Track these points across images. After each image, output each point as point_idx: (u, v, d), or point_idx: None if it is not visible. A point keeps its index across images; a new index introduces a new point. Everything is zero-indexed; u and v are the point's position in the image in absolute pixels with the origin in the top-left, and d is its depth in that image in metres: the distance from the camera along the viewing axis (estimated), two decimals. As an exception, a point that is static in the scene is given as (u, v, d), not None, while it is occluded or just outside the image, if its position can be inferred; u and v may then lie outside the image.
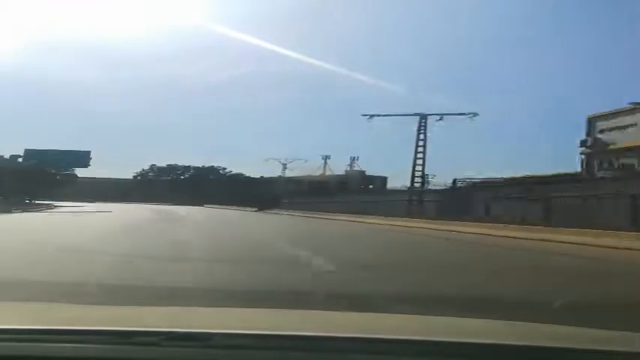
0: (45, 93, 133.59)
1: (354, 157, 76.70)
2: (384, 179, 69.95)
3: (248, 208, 68.58)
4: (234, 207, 72.40)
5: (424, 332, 1.98)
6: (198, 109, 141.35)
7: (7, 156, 59.91)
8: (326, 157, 79.57)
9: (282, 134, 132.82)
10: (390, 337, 1.71)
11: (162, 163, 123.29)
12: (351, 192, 58.11)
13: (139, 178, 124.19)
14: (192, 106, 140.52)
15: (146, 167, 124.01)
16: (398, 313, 4.57)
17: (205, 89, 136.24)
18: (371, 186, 69.73)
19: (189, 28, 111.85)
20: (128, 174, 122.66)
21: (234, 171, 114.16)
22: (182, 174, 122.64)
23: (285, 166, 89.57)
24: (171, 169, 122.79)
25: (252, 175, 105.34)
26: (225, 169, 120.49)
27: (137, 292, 6.40)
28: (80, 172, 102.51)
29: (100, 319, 2.06)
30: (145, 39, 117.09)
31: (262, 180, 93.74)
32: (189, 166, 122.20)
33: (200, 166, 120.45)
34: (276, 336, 1.67)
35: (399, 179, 73.36)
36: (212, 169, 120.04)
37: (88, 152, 55.88)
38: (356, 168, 75.94)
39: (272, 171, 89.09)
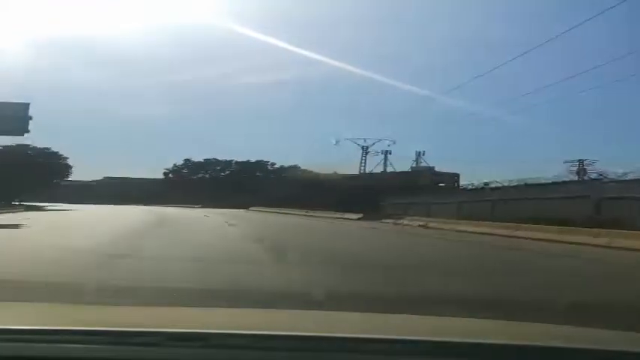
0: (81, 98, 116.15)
1: (420, 152, 66.96)
2: (455, 176, 61.42)
3: (317, 213, 43.97)
4: (305, 211, 47.45)
5: (424, 332, 1.95)
6: (244, 105, 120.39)
7: None
8: (386, 152, 67.05)
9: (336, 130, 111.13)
10: (390, 337, 1.69)
11: (199, 158, 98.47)
12: (421, 190, 48.12)
13: (170, 175, 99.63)
14: (236, 102, 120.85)
15: (179, 162, 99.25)
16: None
17: (250, 89, 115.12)
18: (442, 184, 60.68)
19: (230, 33, 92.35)
20: (159, 173, 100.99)
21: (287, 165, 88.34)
22: (222, 170, 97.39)
23: (366, 150, 65.66)
24: (209, 164, 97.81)
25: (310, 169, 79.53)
26: (274, 164, 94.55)
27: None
28: (107, 172, 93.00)
29: (100, 319, 2.02)
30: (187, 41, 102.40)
31: (323, 177, 70.60)
32: (230, 161, 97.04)
33: (245, 160, 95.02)
34: (276, 336, 1.63)
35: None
36: (259, 165, 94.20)
37: (26, 105, 30.00)
38: (423, 164, 66.90)
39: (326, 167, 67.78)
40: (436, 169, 63.28)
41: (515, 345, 1.61)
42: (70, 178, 69.77)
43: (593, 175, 28.91)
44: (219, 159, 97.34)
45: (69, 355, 1.43)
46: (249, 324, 2.03)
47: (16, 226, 18.39)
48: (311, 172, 73.09)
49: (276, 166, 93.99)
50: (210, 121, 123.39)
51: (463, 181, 55.48)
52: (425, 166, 66.82)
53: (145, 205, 66.00)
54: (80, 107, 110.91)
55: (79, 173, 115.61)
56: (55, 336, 1.52)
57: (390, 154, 66.49)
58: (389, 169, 66.03)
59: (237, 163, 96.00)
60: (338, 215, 41.41)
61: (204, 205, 65.33)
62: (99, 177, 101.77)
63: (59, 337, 1.50)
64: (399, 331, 1.98)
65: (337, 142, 67.50)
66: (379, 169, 66.27)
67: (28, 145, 59.97)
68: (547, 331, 2.15)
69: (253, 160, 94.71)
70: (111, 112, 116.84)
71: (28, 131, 30.81)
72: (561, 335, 2.05)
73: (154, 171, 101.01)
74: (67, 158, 65.42)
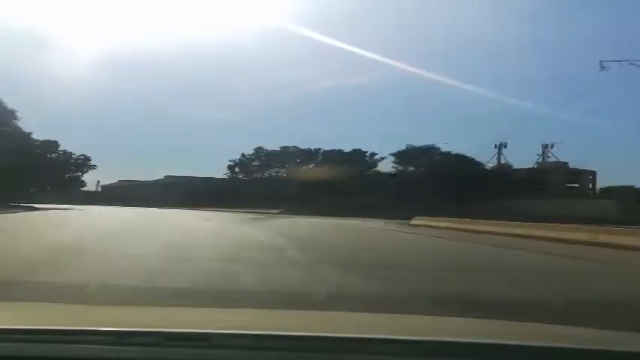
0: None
1: (547, 145, 56.16)
2: (590, 174, 54.22)
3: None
4: None
5: (424, 332, 1.94)
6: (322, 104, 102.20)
7: None
8: (500, 145, 56.26)
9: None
10: (390, 337, 1.67)
11: (274, 146, 75.43)
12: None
13: (237, 169, 77.37)
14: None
15: (249, 152, 76.41)
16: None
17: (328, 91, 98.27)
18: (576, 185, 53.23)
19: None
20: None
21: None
22: (304, 162, 73.59)
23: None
24: (287, 155, 74.22)
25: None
26: (375, 154, 69.74)
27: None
28: (165, 172, 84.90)
29: (100, 319, 2.00)
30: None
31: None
32: (316, 151, 73.00)
33: (336, 149, 70.84)
34: (276, 336, 1.62)
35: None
36: (356, 155, 69.61)
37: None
38: (551, 159, 56.21)
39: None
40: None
41: (515, 345, 1.58)
42: (127, 178, 57.80)
43: None
44: (301, 147, 73.61)
45: (69, 355, 1.41)
46: (249, 324, 2.02)
47: None
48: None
49: (377, 156, 69.33)
50: (285, 119, 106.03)
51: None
52: (554, 162, 57.24)
53: (201, 209, 44.47)
54: (147, 108, 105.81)
55: (139, 173, 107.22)
56: (55, 336, 1.50)
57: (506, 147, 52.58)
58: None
59: (325, 153, 71.94)
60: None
61: (288, 211, 41.97)
62: (160, 176, 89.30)
63: (59, 337, 1.48)
64: (399, 331, 1.96)
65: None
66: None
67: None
68: (546, 331, 2.14)
69: (347, 149, 70.56)
70: (176, 113, 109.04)
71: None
72: (561, 335, 2.04)
73: (222, 169, 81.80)
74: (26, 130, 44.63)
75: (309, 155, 73.20)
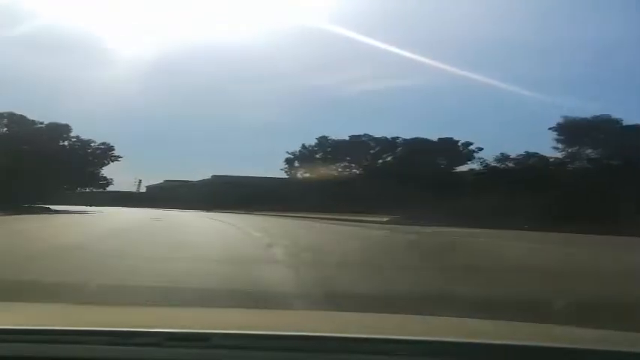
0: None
1: None
2: None
3: None
4: None
5: (424, 332, 1.93)
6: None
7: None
8: None
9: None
10: (391, 337, 1.67)
11: (341, 135, 61.79)
12: None
13: (295, 164, 64.09)
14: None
15: (310, 142, 62.94)
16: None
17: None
18: None
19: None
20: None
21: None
22: (380, 155, 59.63)
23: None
24: (358, 145, 60.30)
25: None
26: (469, 144, 55.50)
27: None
28: (213, 171, 78.07)
29: (100, 319, 1.98)
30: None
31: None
32: (395, 139, 58.96)
33: (420, 137, 56.80)
34: (276, 336, 1.63)
35: None
36: (446, 144, 55.44)
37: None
38: None
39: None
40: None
41: (516, 345, 1.58)
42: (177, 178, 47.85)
43: None
44: (374, 135, 59.56)
45: (69, 355, 1.41)
46: (249, 324, 2.00)
47: None
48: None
49: (473, 146, 54.93)
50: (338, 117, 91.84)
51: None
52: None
53: (258, 213, 31.82)
54: (192, 105, 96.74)
55: (186, 172, 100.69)
56: (55, 336, 1.49)
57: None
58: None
59: (406, 142, 57.76)
60: None
61: (408, 219, 28.02)
62: (207, 176, 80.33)
63: (59, 337, 1.48)
64: (399, 331, 1.94)
65: None
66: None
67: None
68: (547, 331, 2.12)
69: (434, 138, 56.43)
70: (225, 109, 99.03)
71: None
72: (561, 335, 2.01)
73: (275, 168, 70.81)
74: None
75: (386, 145, 59.30)
